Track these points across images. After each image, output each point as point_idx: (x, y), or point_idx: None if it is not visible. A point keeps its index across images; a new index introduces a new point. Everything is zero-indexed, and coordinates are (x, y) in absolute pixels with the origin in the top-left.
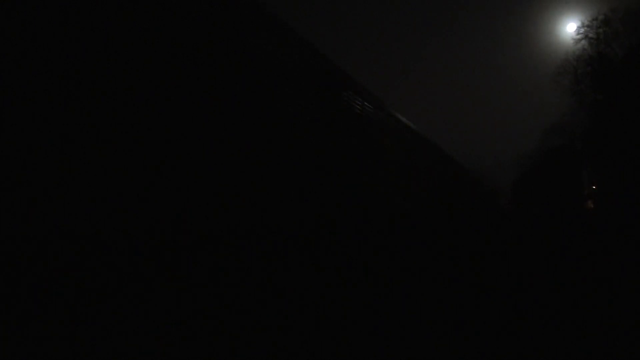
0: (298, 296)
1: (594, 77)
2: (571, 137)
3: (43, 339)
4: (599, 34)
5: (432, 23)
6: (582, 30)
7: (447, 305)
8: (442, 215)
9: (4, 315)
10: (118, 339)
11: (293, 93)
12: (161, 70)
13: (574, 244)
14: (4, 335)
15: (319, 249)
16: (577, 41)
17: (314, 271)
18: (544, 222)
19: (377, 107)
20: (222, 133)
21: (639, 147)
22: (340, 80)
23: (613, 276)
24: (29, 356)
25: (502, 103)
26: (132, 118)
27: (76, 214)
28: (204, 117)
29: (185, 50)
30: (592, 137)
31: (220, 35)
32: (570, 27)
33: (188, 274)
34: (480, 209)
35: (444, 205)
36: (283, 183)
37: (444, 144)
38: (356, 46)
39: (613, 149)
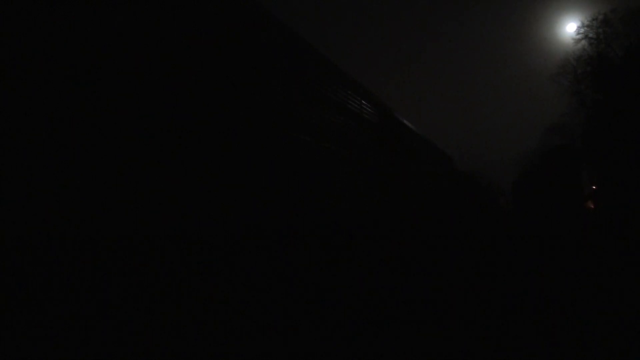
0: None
1: (594, 77)
2: (571, 137)
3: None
4: (599, 34)
5: (431, 23)
6: (582, 30)
7: (448, 304)
8: (443, 215)
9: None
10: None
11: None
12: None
13: (574, 243)
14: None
15: (322, 248)
16: (577, 41)
17: (319, 271)
18: (544, 222)
19: (379, 108)
20: (225, 135)
21: (639, 147)
22: (344, 81)
23: (613, 275)
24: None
25: (502, 103)
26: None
27: (79, 216)
28: (210, 119)
29: (184, 49)
30: (592, 137)
31: (223, 37)
32: (570, 27)
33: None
34: (480, 208)
35: (444, 205)
36: (287, 184)
37: (444, 144)
38: (356, 46)
39: (613, 149)
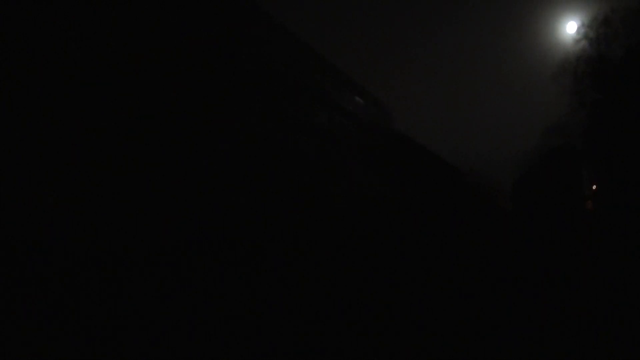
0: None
1: (594, 77)
2: (571, 137)
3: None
4: (599, 34)
5: (431, 23)
6: (582, 30)
7: (449, 305)
8: (442, 216)
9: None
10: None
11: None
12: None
13: (574, 243)
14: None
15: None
16: (577, 41)
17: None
18: (544, 222)
19: (378, 110)
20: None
21: (639, 147)
22: (340, 81)
23: (613, 275)
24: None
25: (502, 103)
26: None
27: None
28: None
29: (178, 52)
30: (592, 137)
31: (218, 36)
32: (570, 27)
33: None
34: (481, 209)
35: (444, 206)
36: (284, 184)
37: (444, 145)
38: (355, 46)
39: (613, 149)
